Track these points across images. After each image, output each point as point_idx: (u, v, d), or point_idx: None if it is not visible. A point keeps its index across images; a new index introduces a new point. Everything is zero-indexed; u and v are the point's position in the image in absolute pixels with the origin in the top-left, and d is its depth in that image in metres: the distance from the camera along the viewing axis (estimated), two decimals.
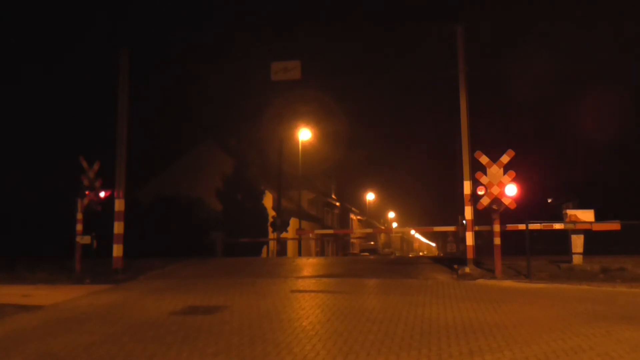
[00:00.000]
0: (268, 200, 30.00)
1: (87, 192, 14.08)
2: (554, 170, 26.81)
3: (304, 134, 31.66)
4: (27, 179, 23.04)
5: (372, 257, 27.89)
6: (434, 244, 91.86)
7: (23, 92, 26.54)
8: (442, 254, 48.89)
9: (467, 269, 12.78)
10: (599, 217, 13.00)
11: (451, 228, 20.21)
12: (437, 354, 5.46)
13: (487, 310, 7.91)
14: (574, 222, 12.91)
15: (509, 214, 12.79)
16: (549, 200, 14.84)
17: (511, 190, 12.32)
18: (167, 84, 16.79)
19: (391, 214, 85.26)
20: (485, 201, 12.49)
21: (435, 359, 5.33)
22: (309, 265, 15.90)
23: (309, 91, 25.15)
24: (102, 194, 14.23)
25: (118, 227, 14.21)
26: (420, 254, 75.99)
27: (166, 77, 16.70)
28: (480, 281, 11.75)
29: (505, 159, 12.55)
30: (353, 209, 59.81)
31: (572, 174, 26.44)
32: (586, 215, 12.97)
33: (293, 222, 32.39)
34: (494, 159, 12.58)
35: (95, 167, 14.25)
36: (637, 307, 8.60)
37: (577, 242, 13.18)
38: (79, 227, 14.08)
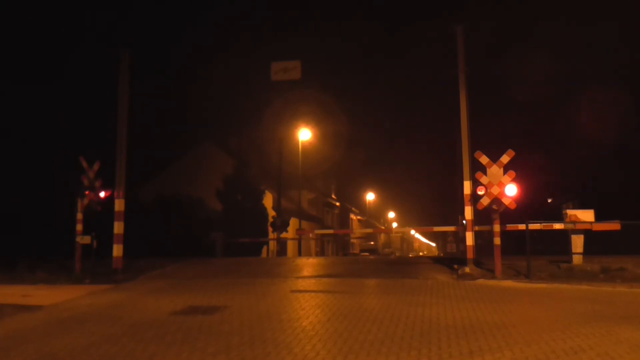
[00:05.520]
0: (268, 200, 30.00)
1: (87, 192, 14.08)
2: (554, 170, 26.81)
3: (304, 134, 31.70)
4: (26, 179, 23.03)
5: (372, 257, 27.89)
6: (434, 244, 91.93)
7: (22, 92, 26.53)
8: (442, 254, 48.90)
9: (467, 269, 12.78)
10: (598, 217, 13.00)
11: (451, 228, 20.23)
12: (437, 354, 5.46)
13: (487, 310, 7.91)
14: (574, 222, 12.90)
15: (509, 214, 12.80)
16: (549, 200, 14.84)
17: (511, 190, 12.32)
18: (167, 83, 16.80)
19: (391, 214, 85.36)
20: (485, 201, 12.49)
21: (435, 359, 5.33)
22: (308, 265, 15.89)
23: (309, 91, 25.18)
24: (102, 194, 14.22)
25: (118, 227, 14.23)
26: (420, 254, 76.03)
27: (166, 77, 16.72)
28: (480, 281, 11.75)
29: (505, 159, 12.55)
30: (353, 209, 59.82)
31: (572, 174, 26.43)
32: (586, 215, 12.97)
33: (293, 222, 32.39)
34: (494, 159, 12.59)
35: (95, 167, 14.24)
36: (637, 307, 8.60)
37: (577, 242, 13.17)
38: (79, 227, 14.07)
